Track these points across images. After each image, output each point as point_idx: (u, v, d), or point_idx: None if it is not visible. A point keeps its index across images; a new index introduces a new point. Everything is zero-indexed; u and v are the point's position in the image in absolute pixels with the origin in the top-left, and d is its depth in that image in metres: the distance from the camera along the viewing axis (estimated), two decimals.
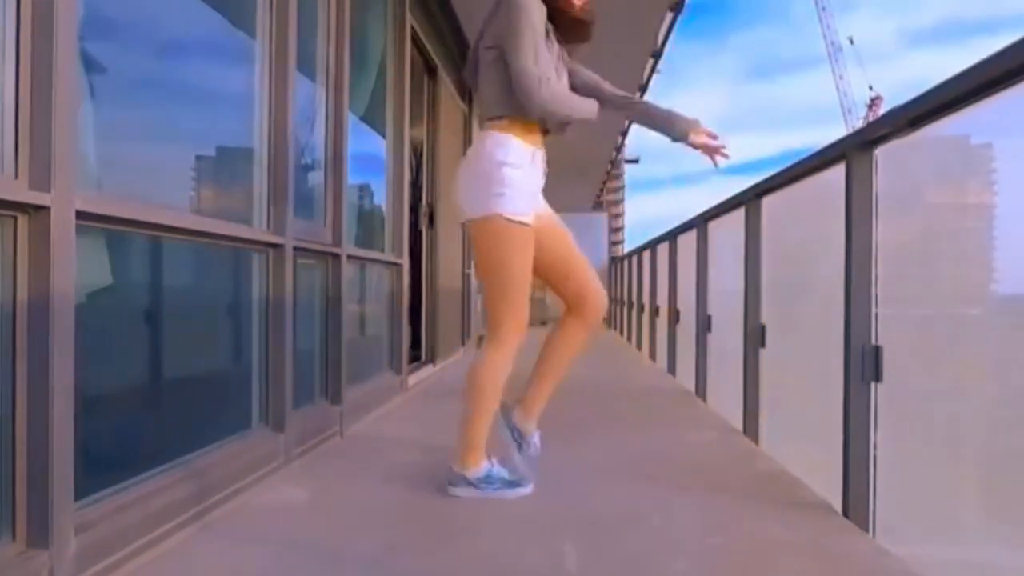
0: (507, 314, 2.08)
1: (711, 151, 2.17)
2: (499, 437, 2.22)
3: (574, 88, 2.19)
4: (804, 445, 2.59)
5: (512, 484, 2.13)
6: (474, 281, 6.74)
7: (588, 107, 2.16)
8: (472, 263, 6.69)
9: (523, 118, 2.06)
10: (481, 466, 2.13)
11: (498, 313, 2.10)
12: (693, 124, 2.15)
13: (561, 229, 2.24)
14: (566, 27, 2.17)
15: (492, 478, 2.13)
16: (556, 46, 2.14)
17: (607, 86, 2.30)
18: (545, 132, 2.16)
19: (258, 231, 2.37)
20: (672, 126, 2.16)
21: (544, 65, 2.00)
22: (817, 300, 2.58)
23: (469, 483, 2.11)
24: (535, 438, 2.26)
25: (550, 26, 2.10)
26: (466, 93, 6.42)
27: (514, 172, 2.02)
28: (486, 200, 2.02)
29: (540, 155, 2.13)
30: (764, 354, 2.99)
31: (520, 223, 2.04)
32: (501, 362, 2.10)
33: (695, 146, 2.15)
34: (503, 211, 2.00)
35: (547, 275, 2.23)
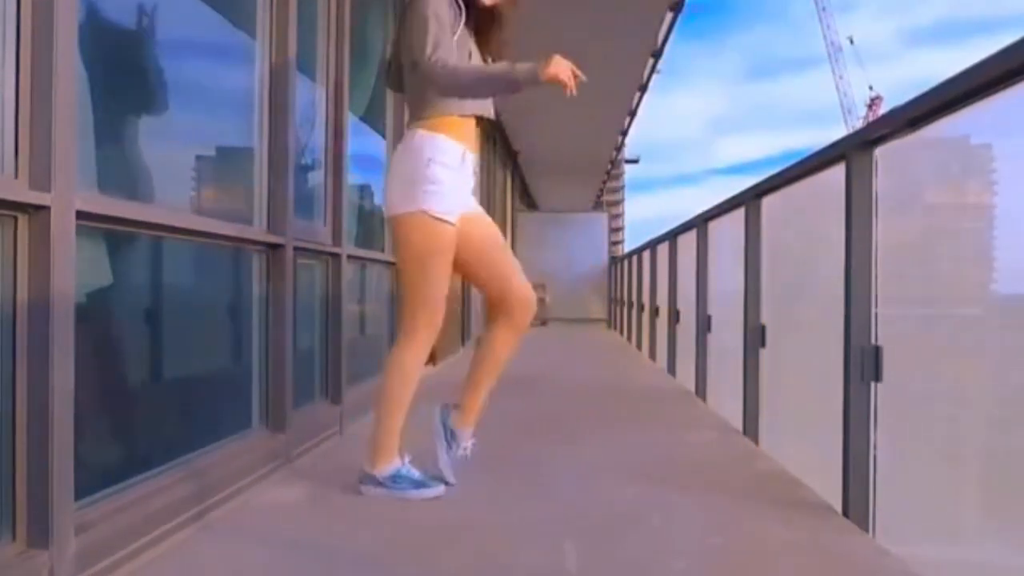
0: (421, 312, 2.06)
1: (564, 80, 1.93)
2: (431, 429, 2.21)
3: None
4: (804, 445, 2.60)
5: (419, 485, 2.09)
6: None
7: (480, 70, 2.02)
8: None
9: (451, 116, 2.02)
10: (390, 465, 2.09)
11: (413, 310, 2.07)
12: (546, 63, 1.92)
13: (490, 229, 2.20)
14: (479, 18, 2.11)
15: (400, 477, 2.09)
16: (470, 42, 2.09)
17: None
18: (479, 125, 2.13)
19: (258, 231, 2.37)
20: (530, 75, 1.92)
21: (446, 53, 1.92)
22: (817, 300, 2.58)
23: (378, 482, 2.08)
24: (468, 443, 2.21)
25: (460, 23, 2.04)
26: None
27: (443, 170, 1.99)
28: (413, 197, 1.98)
29: (471, 157, 2.09)
30: (764, 354, 2.99)
31: (444, 221, 2.01)
32: (411, 360, 2.09)
33: (552, 78, 1.92)
34: (428, 208, 1.97)
35: (470, 273, 2.22)
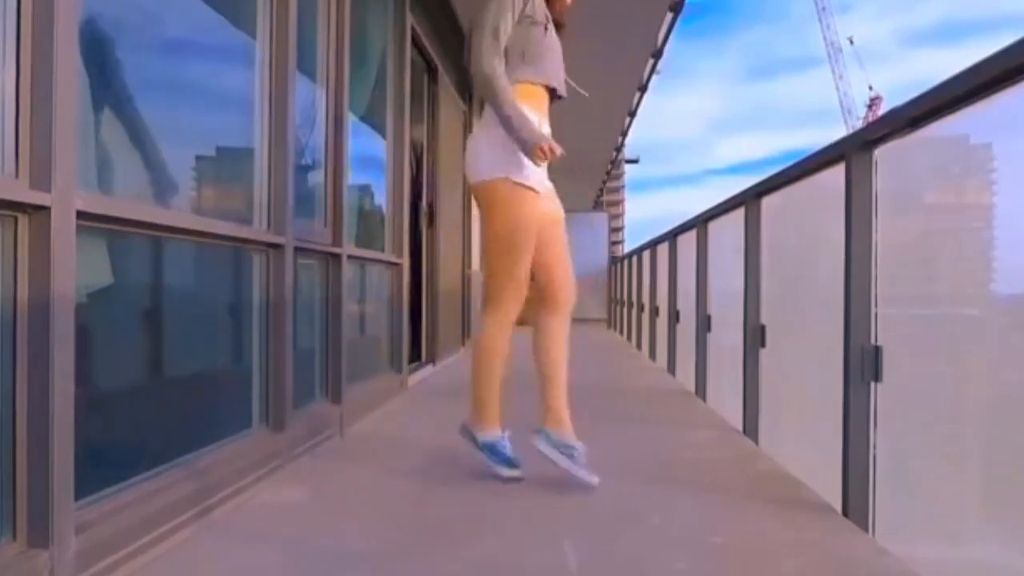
0: (507, 280, 2.11)
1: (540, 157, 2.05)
2: (546, 458, 2.20)
3: None
4: (804, 445, 2.60)
5: (508, 463, 2.20)
6: (474, 282, 6.74)
7: (505, 108, 2.06)
8: (474, 260, 6.69)
9: (528, 83, 2.12)
10: (490, 433, 2.21)
11: (498, 279, 2.13)
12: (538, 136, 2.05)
13: (559, 213, 2.29)
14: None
15: (495, 450, 2.20)
16: (551, 29, 2.18)
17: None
18: (552, 98, 2.21)
19: (258, 231, 2.37)
20: (524, 143, 2.05)
21: (495, 57, 2.04)
22: (818, 300, 2.58)
23: (476, 443, 2.22)
24: (579, 445, 2.21)
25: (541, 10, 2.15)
26: (466, 93, 6.42)
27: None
28: (496, 164, 2.06)
29: (547, 129, 2.17)
30: (764, 354, 2.99)
31: (529, 188, 2.08)
32: (500, 328, 2.15)
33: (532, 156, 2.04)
34: (512, 175, 2.05)
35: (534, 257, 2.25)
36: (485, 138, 2.13)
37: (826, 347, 2.20)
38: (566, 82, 2.28)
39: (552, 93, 2.23)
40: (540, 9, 2.17)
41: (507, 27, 2.08)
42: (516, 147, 2.04)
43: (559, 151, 2.01)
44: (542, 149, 2.00)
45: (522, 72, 2.12)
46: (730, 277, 3.42)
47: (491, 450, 2.20)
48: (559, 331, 2.23)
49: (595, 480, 2.15)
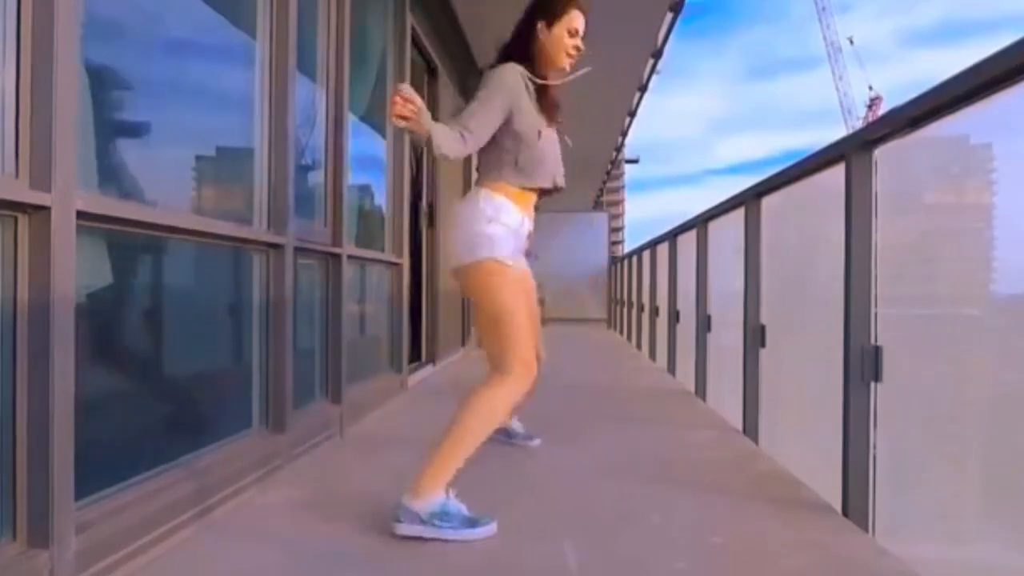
0: (514, 355, 2.00)
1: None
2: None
3: None
4: (804, 445, 2.60)
5: (474, 523, 1.85)
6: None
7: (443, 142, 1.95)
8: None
9: (518, 187, 2.11)
10: (434, 499, 1.85)
11: (506, 355, 2.01)
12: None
13: (533, 294, 2.31)
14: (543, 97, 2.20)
15: (449, 514, 1.84)
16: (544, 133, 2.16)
17: None
18: (541, 195, 2.21)
19: (258, 231, 2.37)
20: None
21: (478, 131, 2.01)
22: (818, 300, 2.58)
23: (420, 519, 1.82)
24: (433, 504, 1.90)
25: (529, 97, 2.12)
26: (466, 93, 6.42)
27: (502, 228, 2.05)
28: (476, 247, 2.04)
29: (528, 223, 2.17)
30: (764, 354, 2.99)
31: (514, 269, 2.06)
32: (511, 396, 2.00)
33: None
34: (495, 254, 2.03)
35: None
36: (462, 222, 2.09)
37: (826, 347, 2.20)
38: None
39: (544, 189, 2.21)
40: (535, 108, 2.14)
41: (500, 112, 2.05)
42: (494, 233, 2.04)
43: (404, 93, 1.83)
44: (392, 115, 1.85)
45: (513, 177, 2.11)
46: (730, 277, 3.42)
47: (443, 515, 1.84)
48: (491, 397, 2.01)
49: (464, 537, 1.83)
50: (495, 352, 2.08)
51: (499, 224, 2.05)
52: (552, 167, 2.19)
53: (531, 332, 2.11)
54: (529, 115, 2.10)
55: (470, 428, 1.94)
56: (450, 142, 1.95)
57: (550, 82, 2.18)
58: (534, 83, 2.13)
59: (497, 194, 2.08)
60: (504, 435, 2.72)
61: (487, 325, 2.12)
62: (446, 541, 1.78)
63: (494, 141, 2.09)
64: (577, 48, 2.18)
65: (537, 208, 2.23)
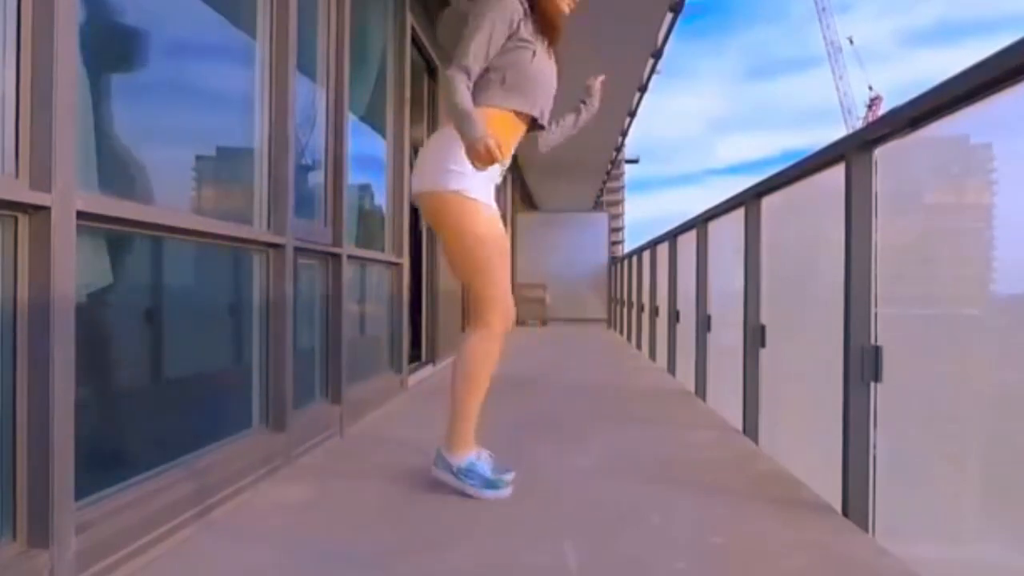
0: (489, 294, 2.01)
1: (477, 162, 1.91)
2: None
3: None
4: (804, 445, 2.60)
5: (489, 485, 2.08)
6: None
7: (459, 105, 1.93)
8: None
9: (489, 108, 2.02)
10: (466, 456, 2.09)
11: (480, 294, 2.03)
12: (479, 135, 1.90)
13: (504, 233, 2.19)
14: (543, 22, 2.13)
15: (472, 472, 2.08)
16: (536, 43, 2.10)
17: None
18: (531, 127, 2.14)
19: (258, 231, 2.37)
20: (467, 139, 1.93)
21: (475, 65, 1.97)
22: (818, 300, 2.58)
23: (451, 470, 2.10)
24: (468, 458, 2.14)
25: (524, 26, 2.06)
26: None
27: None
28: (442, 175, 1.96)
29: (507, 158, 2.09)
30: (764, 354, 2.99)
31: (478, 202, 2.00)
32: (488, 347, 2.05)
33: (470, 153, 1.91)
34: (459, 188, 1.96)
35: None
36: (431, 148, 2.05)
37: (826, 347, 2.20)
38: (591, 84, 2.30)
39: (533, 122, 2.14)
40: (531, 30, 2.08)
41: (499, 37, 2.01)
42: (463, 159, 1.93)
43: (499, 157, 1.87)
44: (481, 149, 1.85)
45: (499, 99, 2.03)
46: (730, 277, 3.42)
47: (467, 473, 2.08)
48: (475, 346, 2.09)
49: (485, 496, 2.06)
50: (470, 297, 2.08)
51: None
52: (542, 95, 2.09)
53: (505, 273, 2.08)
54: (524, 33, 2.03)
55: (468, 383, 2.07)
56: (466, 100, 1.91)
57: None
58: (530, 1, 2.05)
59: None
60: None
61: (460, 264, 2.08)
62: (467, 494, 2.05)
63: (492, 62, 2.02)
64: None
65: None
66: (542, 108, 2.13)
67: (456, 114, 1.93)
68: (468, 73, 1.96)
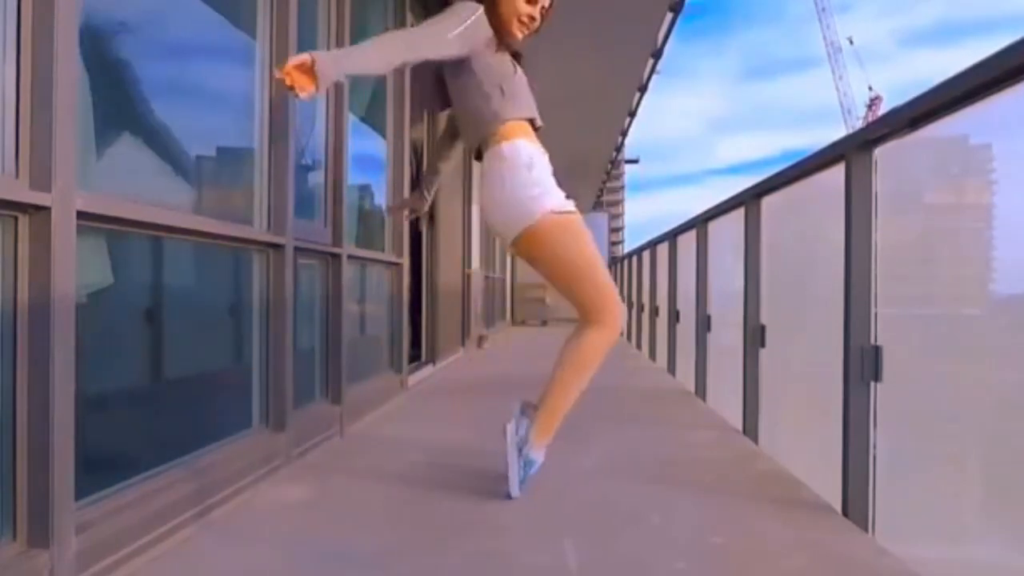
0: (603, 298, 2.02)
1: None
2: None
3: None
4: (804, 445, 2.60)
5: (520, 483, 2.07)
6: (474, 282, 6.74)
7: (370, 58, 1.88)
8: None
9: (513, 121, 2.03)
10: (542, 452, 2.08)
11: (594, 302, 2.02)
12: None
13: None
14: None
15: (531, 468, 2.07)
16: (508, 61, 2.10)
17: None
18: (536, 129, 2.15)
19: (258, 231, 2.37)
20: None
21: (493, 73, 2.01)
22: (818, 300, 2.58)
23: (520, 453, 2.03)
24: (538, 461, 2.14)
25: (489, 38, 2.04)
26: None
27: (540, 172, 2.00)
28: (528, 207, 1.96)
29: (547, 157, 2.11)
30: (764, 354, 2.99)
31: (568, 212, 2.00)
32: (605, 344, 2.06)
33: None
34: (548, 207, 1.96)
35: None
36: (504, 188, 2.00)
37: (826, 347, 2.20)
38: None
39: (532, 125, 2.14)
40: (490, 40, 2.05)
41: (472, 35, 1.97)
42: (537, 179, 1.98)
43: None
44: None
45: (507, 110, 2.03)
46: (730, 277, 3.42)
47: (530, 464, 2.07)
48: (596, 342, 2.09)
49: (514, 493, 2.04)
50: (583, 304, 2.05)
51: (536, 168, 1.97)
52: (531, 100, 2.10)
53: (608, 274, 2.09)
54: (498, 51, 2.02)
55: (571, 381, 2.06)
56: (378, 51, 1.85)
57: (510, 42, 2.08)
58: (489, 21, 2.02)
59: (512, 139, 1.99)
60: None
61: (566, 281, 2.05)
62: (507, 478, 2.02)
63: (468, 93, 2.02)
64: (531, 17, 2.06)
65: None
66: (536, 111, 2.13)
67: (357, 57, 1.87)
68: (414, 51, 1.91)
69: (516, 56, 2.14)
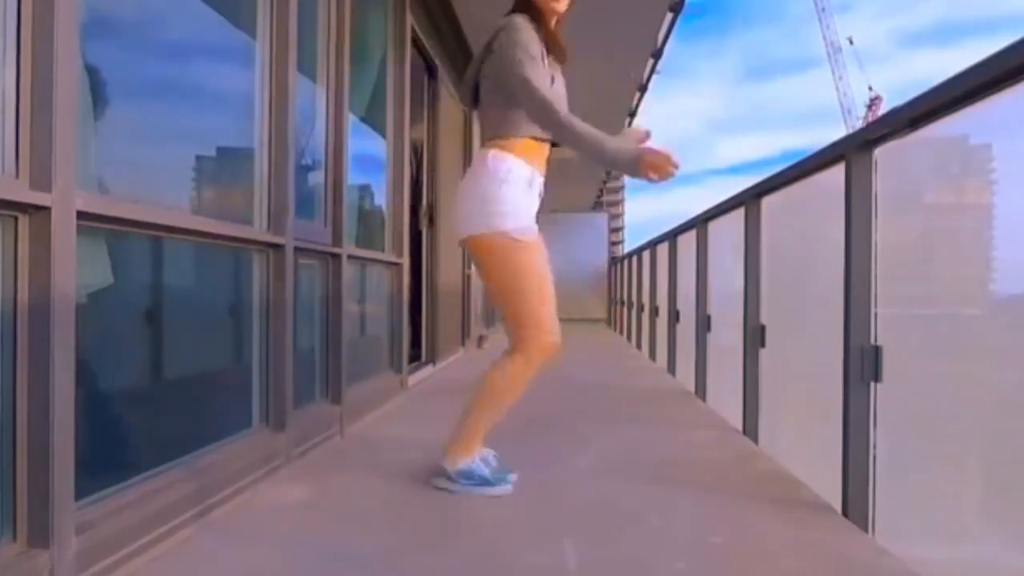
0: (526, 327, 2.05)
1: (658, 178, 1.92)
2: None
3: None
4: (804, 445, 2.60)
5: (484, 482, 2.12)
6: (474, 282, 6.75)
7: (577, 128, 1.97)
8: (480, 277, 6.69)
9: (527, 139, 2.07)
10: (463, 460, 2.13)
11: (522, 326, 2.06)
12: (636, 152, 1.95)
13: (546, 260, 2.17)
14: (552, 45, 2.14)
15: (471, 474, 2.12)
16: (554, 70, 2.13)
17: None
18: (553, 145, 2.16)
19: (259, 231, 2.37)
20: (627, 165, 1.96)
21: (540, 84, 1.99)
22: (818, 300, 2.58)
23: (449, 477, 2.14)
24: (488, 456, 2.23)
25: (542, 50, 2.07)
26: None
27: (512, 191, 2.03)
28: (488, 218, 2.02)
29: (539, 180, 2.12)
30: (764, 354, 2.99)
31: (523, 241, 2.04)
32: (522, 375, 2.08)
33: (648, 176, 1.91)
34: (507, 228, 2.01)
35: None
36: (471, 188, 2.08)
37: (826, 347, 2.20)
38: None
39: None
40: (543, 52, 2.08)
41: (536, 51, 2.02)
42: (507, 198, 2.01)
43: (675, 159, 1.88)
44: (651, 164, 1.88)
45: (525, 127, 2.06)
46: (730, 277, 3.42)
47: (469, 476, 2.13)
48: (508, 369, 2.11)
49: (500, 491, 2.12)
50: (507, 325, 2.10)
51: (508, 185, 2.01)
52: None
53: (549, 303, 2.11)
54: (542, 62, 2.04)
55: (488, 403, 2.12)
56: (584, 127, 1.94)
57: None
58: (538, 30, 2.07)
59: (505, 152, 2.04)
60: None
61: (496, 298, 2.16)
62: (471, 495, 2.10)
63: (503, 94, 2.06)
64: None
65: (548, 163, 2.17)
66: None
67: (577, 140, 1.95)
68: (551, 103, 1.97)
69: (559, 56, 2.15)
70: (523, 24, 2.04)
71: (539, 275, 2.08)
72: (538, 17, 2.10)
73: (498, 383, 2.10)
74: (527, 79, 1.96)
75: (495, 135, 2.09)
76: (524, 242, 2.04)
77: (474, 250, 2.10)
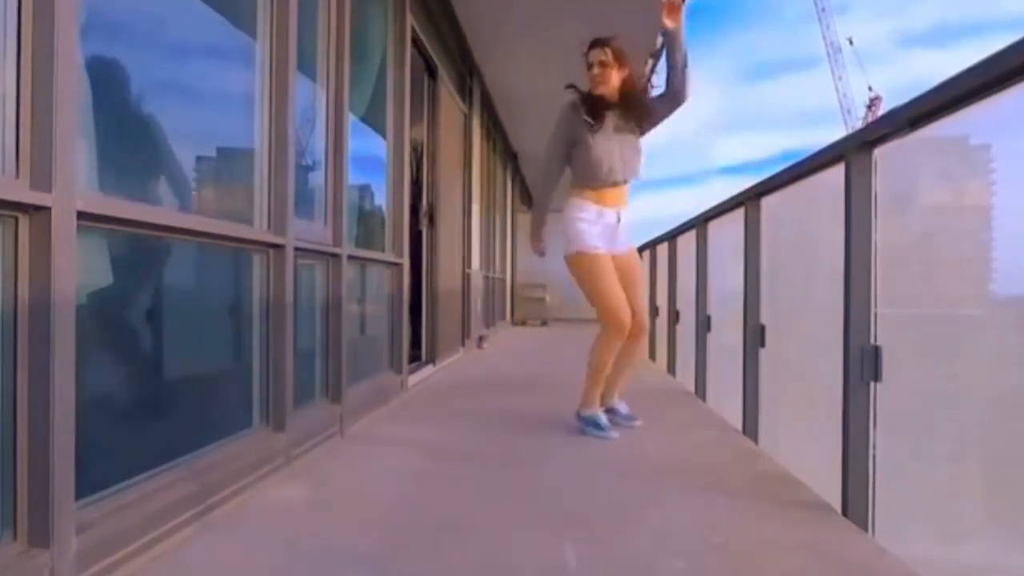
0: (606, 316, 2.96)
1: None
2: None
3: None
4: (803, 444, 2.60)
5: (599, 427, 2.98)
6: (474, 282, 6.75)
7: (535, 207, 3.32)
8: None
9: (588, 188, 2.99)
10: (591, 410, 3.05)
11: (601, 315, 2.99)
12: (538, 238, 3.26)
13: (630, 267, 3.07)
14: (606, 104, 3.00)
15: (590, 420, 3.02)
16: (608, 124, 2.97)
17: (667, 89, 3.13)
18: (616, 187, 2.99)
19: (259, 231, 2.37)
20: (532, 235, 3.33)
21: (546, 177, 3.15)
22: (818, 300, 2.58)
23: (579, 417, 3.07)
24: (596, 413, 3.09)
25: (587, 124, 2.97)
26: (466, 93, 6.42)
27: (583, 224, 2.97)
28: (568, 244, 3.02)
29: (607, 213, 2.98)
30: (764, 354, 2.99)
31: (594, 252, 2.93)
32: (607, 347, 2.98)
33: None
34: (580, 248, 2.97)
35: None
36: (562, 226, 3.05)
37: (826, 347, 2.20)
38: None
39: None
40: (582, 118, 2.96)
41: (561, 146, 3.04)
42: (579, 229, 2.98)
43: (538, 250, 3.31)
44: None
45: (579, 181, 3.02)
46: (730, 277, 3.42)
47: (589, 422, 3.01)
48: (628, 353, 3.11)
49: (608, 435, 2.96)
50: (597, 313, 3.01)
51: (580, 221, 2.97)
52: (606, 168, 2.94)
53: (621, 298, 2.95)
54: (579, 136, 2.95)
55: (592, 367, 3.04)
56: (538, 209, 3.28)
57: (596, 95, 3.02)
58: (584, 101, 2.99)
59: (574, 198, 3.02)
60: (610, 412, 3.23)
61: (586, 296, 3.04)
62: (592, 436, 2.96)
63: (573, 160, 3.02)
64: (599, 68, 3.01)
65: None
66: (608, 174, 2.94)
67: (533, 218, 3.31)
68: (546, 194, 3.19)
69: (604, 107, 2.98)
70: (561, 110, 3.03)
71: (606, 279, 2.94)
72: (585, 94, 3.03)
73: (596, 354, 3.01)
74: (545, 159, 3.14)
75: (572, 185, 3.04)
76: (592, 255, 2.94)
77: (567, 266, 3.06)
